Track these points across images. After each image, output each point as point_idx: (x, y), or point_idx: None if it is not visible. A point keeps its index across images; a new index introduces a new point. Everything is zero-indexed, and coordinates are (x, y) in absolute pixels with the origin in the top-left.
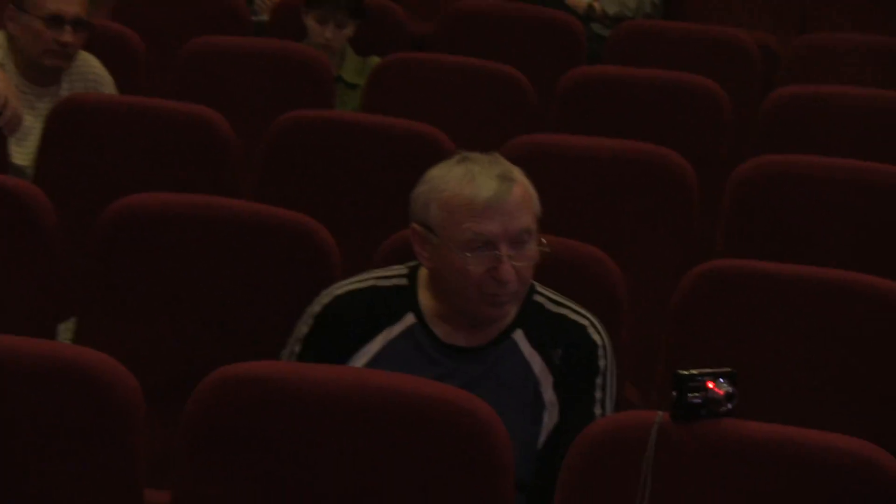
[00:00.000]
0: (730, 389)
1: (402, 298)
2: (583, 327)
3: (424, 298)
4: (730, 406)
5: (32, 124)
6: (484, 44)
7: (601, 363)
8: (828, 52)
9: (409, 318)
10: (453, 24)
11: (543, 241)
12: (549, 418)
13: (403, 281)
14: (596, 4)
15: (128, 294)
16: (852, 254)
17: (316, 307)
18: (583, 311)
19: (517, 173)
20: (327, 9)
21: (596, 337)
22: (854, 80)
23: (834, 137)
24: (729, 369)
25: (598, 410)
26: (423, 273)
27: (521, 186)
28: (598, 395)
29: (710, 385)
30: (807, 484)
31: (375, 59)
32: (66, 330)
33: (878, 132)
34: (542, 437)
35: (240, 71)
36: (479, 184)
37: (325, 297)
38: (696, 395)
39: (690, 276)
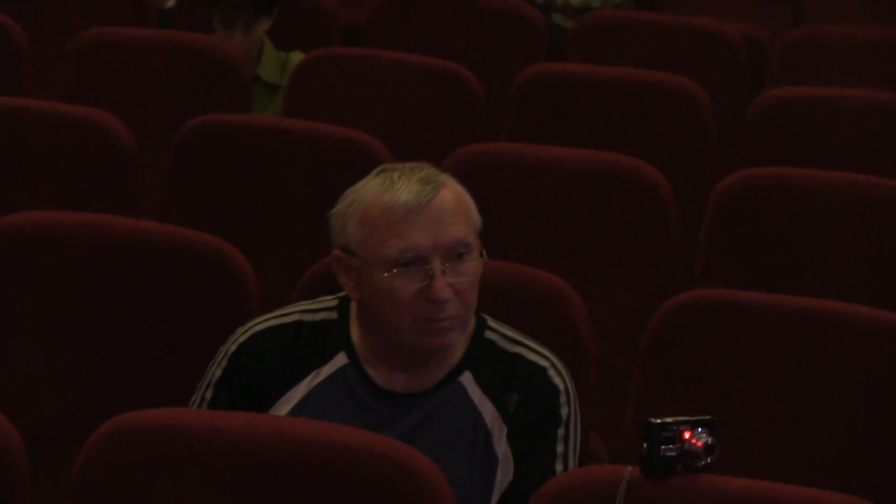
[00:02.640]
0: (709, 440)
1: (331, 335)
2: (542, 369)
3: (357, 335)
4: (709, 460)
5: None
6: (426, 36)
7: (563, 411)
8: (825, 47)
9: (341, 359)
10: (390, 13)
11: (484, 252)
12: (503, 475)
13: (333, 315)
14: None
15: (9, 328)
16: (854, 281)
17: (231, 346)
18: (542, 351)
19: (445, 178)
20: (230, 10)
21: (557, 381)
22: (855, 80)
23: (832, 147)
24: (708, 417)
25: (559, 466)
26: (355, 305)
27: (451, 191)
28: (559, 448)
29: (687, 435)
30: None
31: (299, 55)
32: None
33: (883, 140)
34: (494, 498)
35: (141, 68)
36: (398, 188)
37: (242, 334)
38: (671, 446)
39: (665, 309)
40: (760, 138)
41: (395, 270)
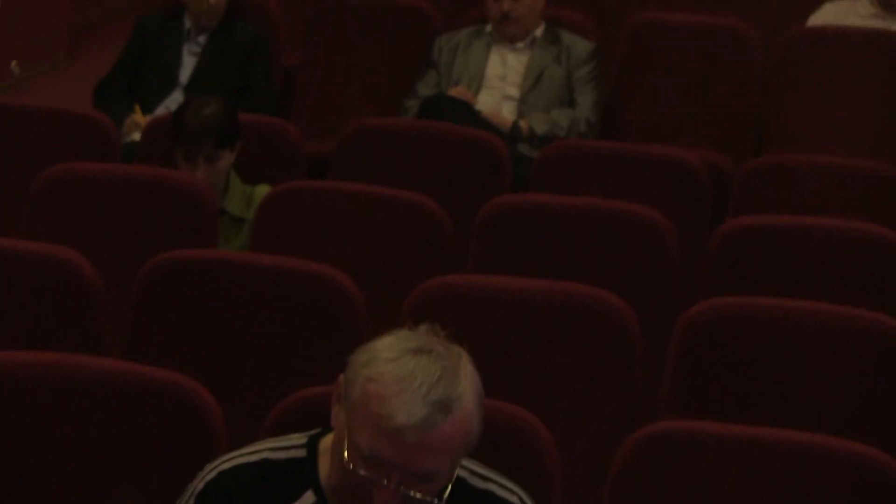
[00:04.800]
0: None
1: (299, 473)
2: None
3: (325, 473)
4: None
5: None
6: (392, 168)
7: None
8: (788, 176)
9: (308, 497)
10: (356, 145)
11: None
12: None
13: (301, 452)
14: (522, 122)
15: None
16: (821, 411)
17: (198, 484)
18: (511, 486)
19: (461, 403)
20: (190, 144)
21: None
22: (820, 209)
23: (797, 275)
24: None
25: None
26: (326, 441)
27: (453, 425)
28: None
29: None
30: None
31: (265, 188)
32: None
33: (849, 270)
34: None
35: (106, 203)
36: (404, 402)
37: (209, 472)
38: None
39: (632, 441)
40: (724, 267)
41: (357, 457)
